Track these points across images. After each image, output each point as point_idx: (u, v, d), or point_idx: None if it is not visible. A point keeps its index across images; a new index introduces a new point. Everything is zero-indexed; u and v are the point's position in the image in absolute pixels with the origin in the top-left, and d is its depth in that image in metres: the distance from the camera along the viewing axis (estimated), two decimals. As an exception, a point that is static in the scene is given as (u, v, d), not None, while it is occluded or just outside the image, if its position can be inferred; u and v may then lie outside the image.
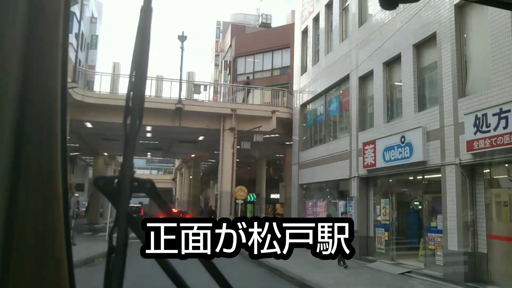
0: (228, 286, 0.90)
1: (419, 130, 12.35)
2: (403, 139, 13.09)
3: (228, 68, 39.08)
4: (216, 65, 49.09)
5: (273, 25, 42.68)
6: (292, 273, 11.50)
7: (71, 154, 34.19)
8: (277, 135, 24.43)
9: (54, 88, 0.77)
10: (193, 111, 21.95)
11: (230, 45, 38.68)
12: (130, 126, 0.81)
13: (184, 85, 23.36)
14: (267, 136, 23.08)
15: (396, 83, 14.65)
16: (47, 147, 0.76)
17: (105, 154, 37.42)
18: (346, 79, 17.83)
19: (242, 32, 38.88)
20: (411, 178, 13.84)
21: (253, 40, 34.97)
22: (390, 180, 14.94)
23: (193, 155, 36.65)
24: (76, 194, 41.63)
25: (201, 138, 26.75)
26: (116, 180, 0.82)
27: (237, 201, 19.94)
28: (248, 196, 37.12)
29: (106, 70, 27.14)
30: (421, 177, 13.08)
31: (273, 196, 37.79)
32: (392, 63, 14.66)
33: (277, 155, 34.71)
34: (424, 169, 12.32)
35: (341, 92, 18.72)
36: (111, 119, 21.73)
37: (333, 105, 19.34)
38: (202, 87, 22.61)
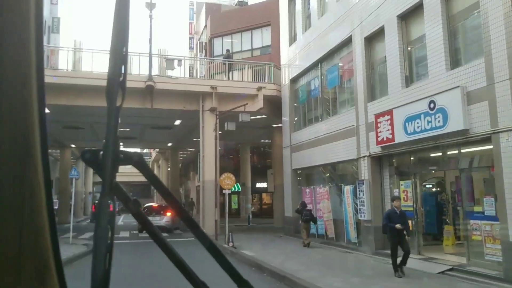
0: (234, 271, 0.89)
1: (456, 91, 9.71)
2: (432, 105, 10.44)
3: (204, 50, 35.99)
4: (191, 48, 45.79)
5: (250, 2, 39.68)
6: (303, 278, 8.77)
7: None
8: (263, 116, 21.59)
9: (28, 79, 0.74)
10: (167, 89, 18.85)
11: (205, 26, 35.59)
12: (111, 97, 0.79)
13: (155, 61, 20.22)
14: (253, 117, 20.22)
15: (416, 38, 11.98)
16: (23, 142, 0.72)
17: (73, 146, 33.89)
18: (347, 42, 15.08)
19: (217, 11, 35.79)
20: (443, 153, 11.22)
21: (230, 19, 31.99)
22: (412, 158, 12.33)
23: (169, 144, 33.40)
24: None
25: (177, 122, 23.66)
26: (101, 152, 0.80)
27: (223, 191, 17.10)
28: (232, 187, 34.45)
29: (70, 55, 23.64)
30: (456, 151, 10.46)
31: (259, 185, 35.07)
32: (410, 15, 11.96)
33: (262, 141, 31.97)
34: (466, 140, 9.69)
35: (341, 59, 15.98)
36: (72, 101, 18.51)
37: (331, 75, 16.59)
38: (176, 62, 19.50)
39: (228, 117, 19.39)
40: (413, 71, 12.04)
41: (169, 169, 42.23)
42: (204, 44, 36.27)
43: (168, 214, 21.46)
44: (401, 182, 12.48)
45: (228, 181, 16.85)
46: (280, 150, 22.39)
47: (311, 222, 15.80)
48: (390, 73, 12.49)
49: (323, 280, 8.87)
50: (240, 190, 31.67)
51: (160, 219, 21.31)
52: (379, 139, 12.61)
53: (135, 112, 19.67)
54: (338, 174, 16.78)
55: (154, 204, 26.64)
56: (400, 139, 11.70)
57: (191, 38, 46.41)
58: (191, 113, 20.49)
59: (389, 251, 12.55)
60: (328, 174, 17.33)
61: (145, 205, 25.48)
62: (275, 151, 25.58)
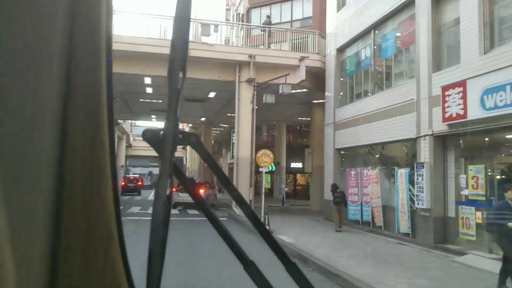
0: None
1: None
2: (523, 74, 8.51)
3: (241, 22, 34.30)
4: (227, 20, 44.08)
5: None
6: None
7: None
8: (304, 90, 19.88)
9: (98, 78, 0.77)
10: (202, 57, 17.34)
11: (243, -4, 33.86)
12: (173, 78, 0.81)
13: (190, 26, 18.76)
14: (294, 91, 18.50)
15: (500, -5, 9.93)
16: (94, 137, 0.76)
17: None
18: (409, 3, 13.07)
19: (256, -20, 33.90)
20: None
21: (269, -13, 30.16)
22: (487, 138, 10.44)
23: (203, 119, 32.14)
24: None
25: (211, 95, 22.26)
26: (161, 132, 0.82)
27: (260, 169, 15.68)
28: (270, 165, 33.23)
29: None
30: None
31: (293, 165, 33.52)
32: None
33: (300, 118, 30.26)
34: None
35: (400, 24, 13.98)
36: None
37: (386, 43, 14.64)
38: (212, 27, 17.93)
39: (267, 90, 17.78)
40: (495, 33, 10.02)
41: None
42: (241, 15, 34.56)
43: (202, 191, 20.38)
44: (470, 167, 10.62)
45: (266, 159, 15.37)
46: (320, 128, 20.71)
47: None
48: (464, 38, 10.50)
49: (383, 279, 7.32)
50: (273, 169, 30.28)
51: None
52: (447, 115, 10.73)
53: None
54: (390, 156, 14.99)
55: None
56: (474, 116, 9.81)
57: (227, 10, 44.64)
58: (226, 84, 19.00)
59: (451, 246, 10.80)
60: (378, 155, 15.55)
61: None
62: (315, 129, 23.90)
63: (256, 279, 0.87)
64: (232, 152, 40.57)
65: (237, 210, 16.57)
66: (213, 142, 43.68)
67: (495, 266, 8.44)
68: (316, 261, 8.59)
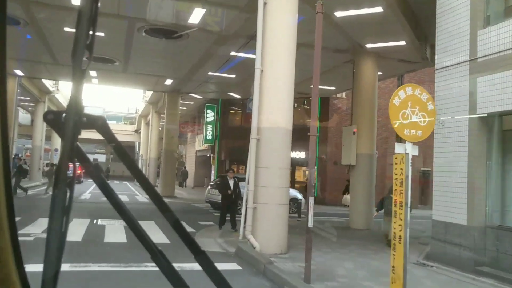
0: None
1: None
2: None
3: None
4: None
5: None
6: None
7: None
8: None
9: None
10: None
11: None
12: (78, 58, 0.75)
13: None
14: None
15: None
16: None
17: (18, 73, 22.15)
18: None
19: None
20: None
21: None
22: None
23: (168, 82, 21.51)
24: None
25: (195, 21, 12.09)
26: (64, 114, 0.78)
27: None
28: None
29: None
30: None
31: (292, 154, 23.99)
32: None
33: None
34: None
35: None
36: None
37: None
38: None
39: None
40: None
41: (162, 124, 30.66)
42: None
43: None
44: None
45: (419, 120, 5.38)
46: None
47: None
48: None
49: None
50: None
51: None
52: None
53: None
54: None
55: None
56: None
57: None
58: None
59: None
60: None
61: None
62: (365, 90, 14.47)
63: (207, 269, 0.88)
64: (206, 134, 30.43)
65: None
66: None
67: None
68: None
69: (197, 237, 9.96)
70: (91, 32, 0.77)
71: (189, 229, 10.83)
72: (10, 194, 0.75)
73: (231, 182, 11.56)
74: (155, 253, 0.86)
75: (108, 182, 0.86)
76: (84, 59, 0.77)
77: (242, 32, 12.69)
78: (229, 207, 11.47)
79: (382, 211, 10.69)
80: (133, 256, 7.77)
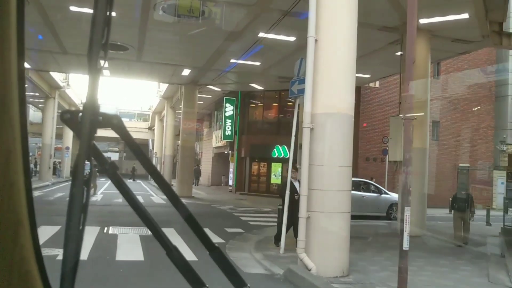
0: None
1: None
2: None
3: None
4: None
5: None
6: None
7: None
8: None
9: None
10: None
11: None
12: (93, 57, 0.74)
13: None
14: None
15: None
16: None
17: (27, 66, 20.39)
18: None
19: None
20: None
21: None
22: None
23: (185, 72, 19.60)
24: None
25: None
26: (80, 114, 0.78)
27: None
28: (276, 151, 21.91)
29: None
30: None
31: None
32: None
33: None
34: None
35: None
36: None
37: None
38: None
39: None
40: None
41: (177, 120, 28.74)
42: None
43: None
44: None
45: None
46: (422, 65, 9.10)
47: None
48: None
49: None
50: (287, 156, 18.63)
51: None
52: None
53: None
54: None
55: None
56: None
57: None
58: None
59: None
60: None
61: None
62: (414, 66, 12.37)
63: (221, 265, 0.87)
64: (224, 130, 28.56)
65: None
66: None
67: None
68: None
69: (229, 252, 8.08)
70: (106, 32, 0.77)
71: (216, 239, 8.98)
72: (30, 191, 0.75)
73: (297, 185, 8.84)
74: (170, 250, 0.85)
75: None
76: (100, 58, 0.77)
77: (275, 5, 10.79)
78: (293, 215, 8.72)
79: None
80: (153, 281, 5.93)
